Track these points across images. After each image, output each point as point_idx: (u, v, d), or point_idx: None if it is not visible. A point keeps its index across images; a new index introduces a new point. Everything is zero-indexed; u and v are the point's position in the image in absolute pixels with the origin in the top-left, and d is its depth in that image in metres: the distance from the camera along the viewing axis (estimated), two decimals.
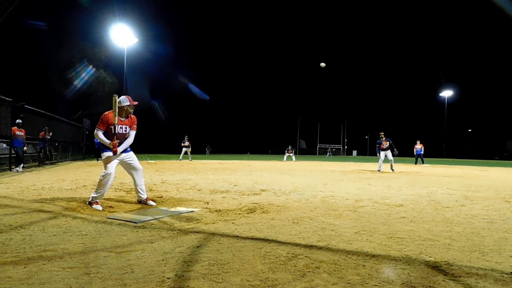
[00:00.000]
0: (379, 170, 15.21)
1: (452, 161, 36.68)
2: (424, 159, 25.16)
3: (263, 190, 7.27)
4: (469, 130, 75.31)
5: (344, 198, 6.33)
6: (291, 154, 28.29)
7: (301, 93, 78.15)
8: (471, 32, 70.46)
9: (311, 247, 3.09)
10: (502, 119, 68.43)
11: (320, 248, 3.07)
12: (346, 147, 75.10)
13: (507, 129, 66.92)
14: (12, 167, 11.88)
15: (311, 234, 3.57)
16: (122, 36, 30.31)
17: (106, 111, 5.13)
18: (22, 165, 12.21)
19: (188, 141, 23.40)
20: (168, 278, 2.28)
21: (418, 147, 24.65)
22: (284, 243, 3.22)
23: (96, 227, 3.75)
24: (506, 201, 6.34)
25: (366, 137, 78.67)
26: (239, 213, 4.70)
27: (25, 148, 13.15)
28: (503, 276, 2.44)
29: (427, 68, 73.94)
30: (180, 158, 23.69)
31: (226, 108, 72.59)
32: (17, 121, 12.41)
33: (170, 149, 41.61)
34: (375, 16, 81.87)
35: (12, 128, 12.03)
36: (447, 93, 63.26)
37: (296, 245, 3.15)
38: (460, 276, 2.41)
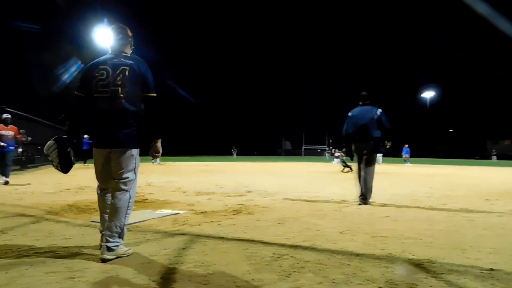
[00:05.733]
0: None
1: (433, 160, 37.37)
2: (410, 159, 27.02)
3: (248, 191, 7.28)
4: (450, 131, 76.89)
5: (329, 199, 6.40)
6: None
7: (287, 96, 78.83)
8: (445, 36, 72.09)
9: (296, 247, 3.12)
10: (482, 120, 70.20)
11: (305, 248, 3.10)
12: (331, 147, 75.62)
13: (487, 130, 68.72)
14: None
15: (296, 235, 3.60)
16: (105, 38, 30.10)
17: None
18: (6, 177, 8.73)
19: None
20: (153, 281, 2.27)
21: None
22: (269, 243, 3.23)
23: (80, 231, 3.70)
24: (486, 199, 6.50)
25: None
26: (225, 215, 4.70)
27: (20, 150, 11.57)
28: (482, 272, 2.51)
29: (408, 70, 75.31)
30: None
31: (210, 110, 72.07)
32: (4, 116, 9.25)
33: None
34: (356, 22, 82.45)
35: None
36: (428, 94, 63.02)
37: (282, 245, 3.17)
38: (441, 273, 2.47)
